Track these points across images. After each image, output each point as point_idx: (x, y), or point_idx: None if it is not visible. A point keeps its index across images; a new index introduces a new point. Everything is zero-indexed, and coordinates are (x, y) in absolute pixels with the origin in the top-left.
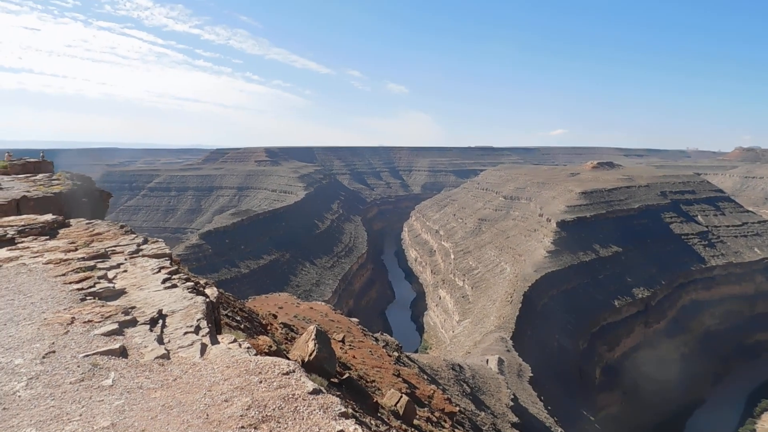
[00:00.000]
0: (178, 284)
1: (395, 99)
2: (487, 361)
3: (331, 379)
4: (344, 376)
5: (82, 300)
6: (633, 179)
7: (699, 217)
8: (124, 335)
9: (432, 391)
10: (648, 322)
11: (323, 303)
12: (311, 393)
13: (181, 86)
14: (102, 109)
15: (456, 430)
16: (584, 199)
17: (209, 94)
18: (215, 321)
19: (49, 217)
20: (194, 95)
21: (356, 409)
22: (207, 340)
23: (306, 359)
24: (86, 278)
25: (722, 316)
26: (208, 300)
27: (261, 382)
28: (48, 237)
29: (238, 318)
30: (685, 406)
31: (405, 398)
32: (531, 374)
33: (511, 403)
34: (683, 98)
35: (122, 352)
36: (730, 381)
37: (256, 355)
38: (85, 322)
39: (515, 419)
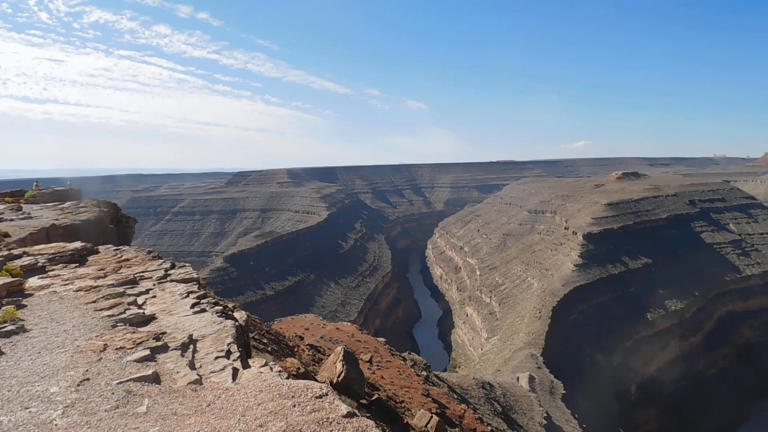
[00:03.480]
0: (207, 308)
1: (415, 116)
2: (518, 378)
3: (361, 401)
4: (373, 398)
5: (114, 326)
6: (660, 189)
7: (731, 225)
8: (156, 361)
9: (463, 411)
10: (684, 335)
11: (349, 323)
12: (345, 416)
13: (201, 111)
14: (126, 136)
15: None
16: (610, 211)
17: (229, 117)
18: (245, 344)
19: (78, 244)
20: (215, 119)
21: (386, 430)
22: (238, 364)
23: (335, 381)
24: (116, 304)
25: (762, 327)
26: (237, 324)
27: (294, 405)
28: (78, 264)
29: (265, 341)
30: (729, 422)
31: (435, 419)
32: (564, 391)
33: (545, 422)
34: (709, 104)
35: (155, 378)
36: None
37: (288, 378)
38: (117, 349)
39: None
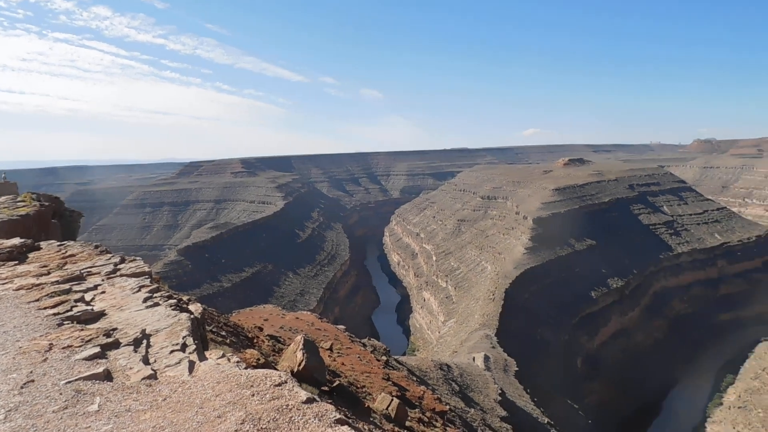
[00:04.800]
0: (161, 302)
1: (371, 104)
2: (474, 358)
3: (322, 388)
4: (335, 384)
5: (60, 325)
6: (602, 174)
7: (664, 207)
8: (107, 358)
9: (422, 392)
10: (623, 311)
11: (309, 312)
12: (305, 402)
13: (149, 99)
14: (66, 126)
15: (447, 428)
16: (558, 196)
17: (179, 106)
18: (202, 337)
19: (16, 240)
20: (164, 108)
21: (349, 415)
22: (195, 357)
23: (295, 369)
24: (62, 302)
25: (690, 301)
26: (192, 316)
27: (254, 395)
28: (17, 262)
29: (224, 333)
30: (660, 387)
31: (396, 401)
32: (516, 368)
33: (499, 398)
34: (646, 94)
35: (107, 376)
36: (699, 361)
37: (246, 368)
38: (64, 348)
39: (504, 413)
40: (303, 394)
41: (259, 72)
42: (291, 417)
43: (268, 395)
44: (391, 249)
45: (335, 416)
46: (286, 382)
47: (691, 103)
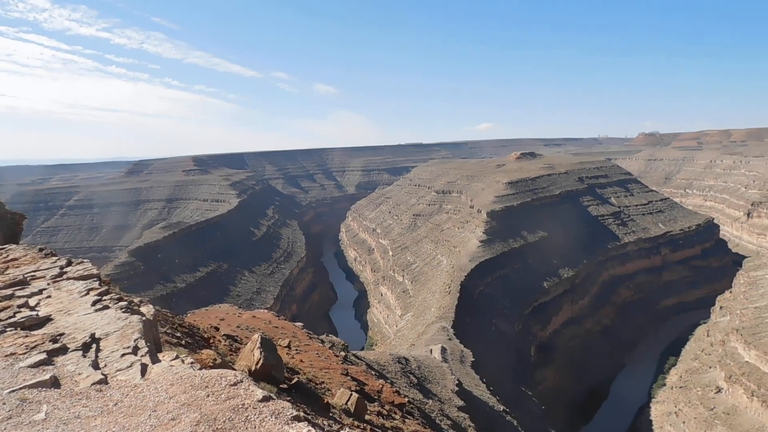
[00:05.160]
0: (110, 305)
1: (324, 100)
2: (431, 351)
3: (281, 386)
4: (293, 381)
5: (2, 332)
6: (553, 167)
7: (612, 198)
8: (54, 364)
9: (381, 386)
10: (574, 300)
11: (266, 310)
12: (261, 400)
13: (94, 95)
14: (5, 124)
15: (406, 419)
16: (511, 189)
17: (126, 102)
18: (154, 339)
19: None
20: (110, 104)
21: (308, 411)
22: (147, 359)
23: (253, 368)
24: (4, 308)
25: (636, 288)
26: (144, 318)
27: (208, 395)
28: None
29: (178, 334)
30: (609, 372)
31: (355, 396)
32: (473, 359)
33: (456, 389)
34: (593, 89)
35: (54, 383)
36: (645, 345)
37: (201, 369)
38: (7, 356)
39: (461, 403)
40: (259, 393)
41: (209, 67)
42: (247, 416)
43: (223, 395)
44: (348, 245)
45: (292, 413)
46: (241, 382)
47: (636, 98)
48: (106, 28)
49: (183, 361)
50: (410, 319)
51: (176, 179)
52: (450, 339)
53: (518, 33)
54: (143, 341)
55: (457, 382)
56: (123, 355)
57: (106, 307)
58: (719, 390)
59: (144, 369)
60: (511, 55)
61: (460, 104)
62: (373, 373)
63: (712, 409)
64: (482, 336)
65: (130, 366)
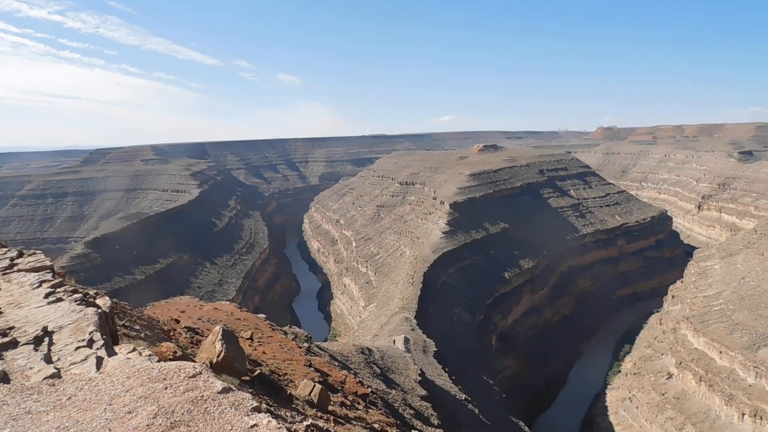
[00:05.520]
0: (64, 297)
1: (287, 90)
2: (394, 341)
3: (243, 378)
4: (256, 373)
5: None
6: (515, 160)
7: (571, 191)
8: (3, 359)
9: (344, 377)
10: (534, 290)
11: (228, 302)
12: (221, 392)
13: (47, 81)
14: None
15: (369, 410)
16: (473, 181)
17: (82, 89)
18: (111, 332)
19: None
20: (65, 91)
21: (270, 403)
22: (103, 352)
23: (214, 360)
24: None
25: (594, 278)
26: (100, 311)
27: (166, 388)
28: None
29: (137, 327)
30: (567, 360)
31: (318, 387)
32: (435, 349)
33: (419, 378)
34: (554, 83)
35: (3, 378)
36: (601, 333)
37: (159, 361)
38: None
39: (424, 392)
40: (219, 384)
41: (169, 54)
42: (206, 408)
43: (181, 387)
44: (311, 236)
45: (252, 404)
46: (200, 373)
47: (595, 93)
48: (59, 11)
49: (140, 354)
50: (373, 310)
51: (135, 169)
52: (413, 329)
53: (477, 27)
54: (99, 334)
55: (419, 371)
56: (77, 348)
57: (60, 300)
58: (670, 376)
59: (99, 362)
60: (473, 47)
61: (423, 96)
62: (337, 364)
63: (663, 395)
64: (445, 326)
65: (85, 359)
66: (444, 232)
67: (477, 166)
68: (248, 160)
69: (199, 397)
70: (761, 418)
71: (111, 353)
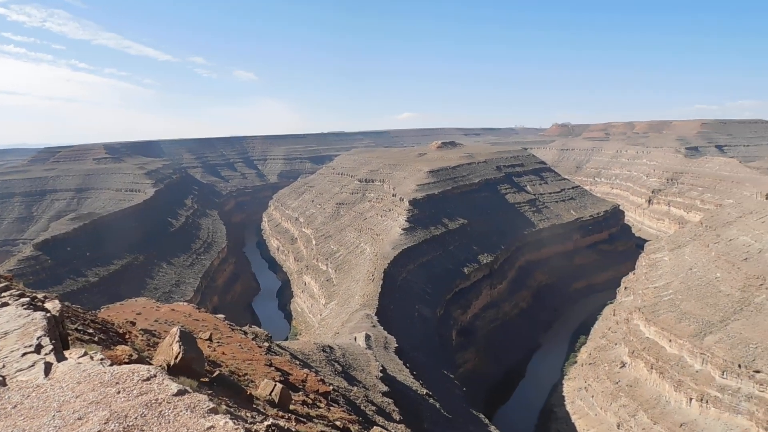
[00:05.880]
0: (10, 302)
1: (244, 86)
2: (355, 338)
3: (202, 379)
4: (215, 374)
5: None
6: (473, 156)
7: (528, 186)
8: None
9: (305, 375)
10: (493, 284)
11: (186, 303)
12: (176, 395)
13: None
14: None
15: (331, 407)
16: (432, 178)
17: (29, 85)
18: (61, 337)
19: None
20: (9, 87)
21: (230, 404)
22: (52, 357)
23: (172, 363)
24: None
25: (550, 272)
26: (49, 315)
27: (119, 392)
28: None
29: (91, 330)
30: (525, 352)
31: (279, 386)
32: (396, 345)
33: (381, 374)
34: (508, 80)
35: None
36: (558, 326)
37: (112, 365)
38: None
39: (385, 388)
40: (174, 387)
41: (121, 50)
42: (161, 411)
43: (135, 391)
44: (270, 234)
45: (209, 406)
46: (155, 376)
47: (550, 90)
48: (2, 3)
49: (92, 358)
50: (334, 308)
51: (87, 168)
52: (374, 326)
53: (434, 23)
54: (47, 339)
55: (381, 368)
56: (24, 354)
57: (5, 304)
58: (623, 365)
59: (48, 368)
60: (431, 45)
61: (382, 93)
62: (298, 362)
63: (617, 383)
64: (406, 322)
65: (33, 365)
66: (404, 229)
67: (436, 162)
68: (205, 158)
69: (154, 400)
70: (707, 402)
71: (61, 358)
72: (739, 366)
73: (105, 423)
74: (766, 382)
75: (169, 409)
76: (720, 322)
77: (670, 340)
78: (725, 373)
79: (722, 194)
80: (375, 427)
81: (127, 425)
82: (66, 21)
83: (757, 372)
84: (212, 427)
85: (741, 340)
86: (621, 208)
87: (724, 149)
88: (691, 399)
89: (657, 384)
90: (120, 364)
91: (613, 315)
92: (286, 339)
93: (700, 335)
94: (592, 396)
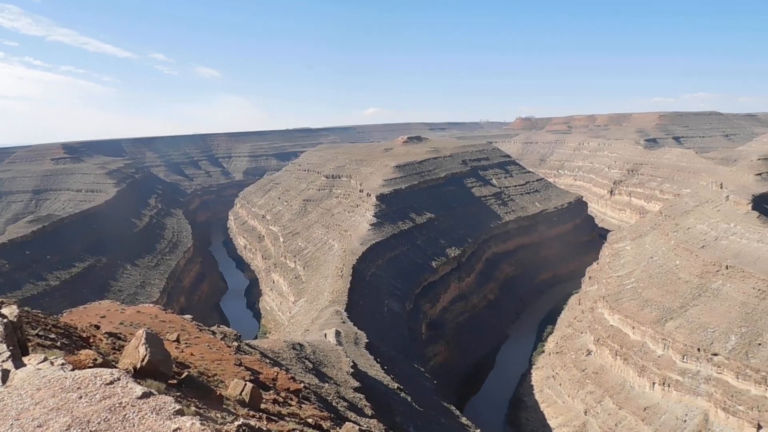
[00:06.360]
0: None
1: (207, 83)
2: (326, 335)
3: (170, 381)
4: (183, 376)
5: None
6: (439, 151)
7: (493, 180)
8: None
9: (276, 374)
10: (461, 277)
11: (152, 305)
12: (141, 397)
13: None
14: None
15: (303, 405)
16: (399, 172)
17: None
18: (19, 342)
19: None
20: None
21: (200, 405)
22: (9, 364)
23: (138, 365)
24: None
25: (517, 263)
26: (6, 320)
27: (81, 397)
28: None
29: (53, 335)
30: (494, 343)
31: (249, 385)
32: (366, 340)
33: (352, 370)
34: (473, 74)
35: None
36: (525, 316)
37: (73, 370)
38: None
39: (356, 384)
40: (138, 390)
41: (78, 46)
42: (125, 415)
43: (98, 395)
44: (237, 233)
45: (175, 408)
46: (119, 380)
47: (513, 84)
48: None
49: (52, 364)
50: (304, 305)
51: (44, 168)
52: (344, 322)
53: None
54: (4, 345)
55: (352, 364)
56: None
57: None
58: (589, 352)
59: (5, 375)
60: (393, 40)
61: (347, 89)
62: (268, 361)
63: (583, 371)
64: (375, 317)
65: None
66: (371, 224)
67: (402, 157)
68: (168, 156)
69: (117, 404)
70: (669, 385)
71: (19, 365)
72: (698, 350)
73: (66, 429)
74: (724, 365)
75: (134, 412)
76: (680, 308)
77: (633, 327)
78: (685, 357)
79: (680, 184)
80: (347, 422)
81: (90, 430)
82: (18, 16)
83: (715, 355)
84: (179, 429)
85: (700, 325)
86: (584, 199)
87: (681, 141)
88: (654, 383)
89: (621, 370)
90: (80, 369)
91: (579, 304)
92: (256, 338)
93: (661, 321)
94: (560, 384)
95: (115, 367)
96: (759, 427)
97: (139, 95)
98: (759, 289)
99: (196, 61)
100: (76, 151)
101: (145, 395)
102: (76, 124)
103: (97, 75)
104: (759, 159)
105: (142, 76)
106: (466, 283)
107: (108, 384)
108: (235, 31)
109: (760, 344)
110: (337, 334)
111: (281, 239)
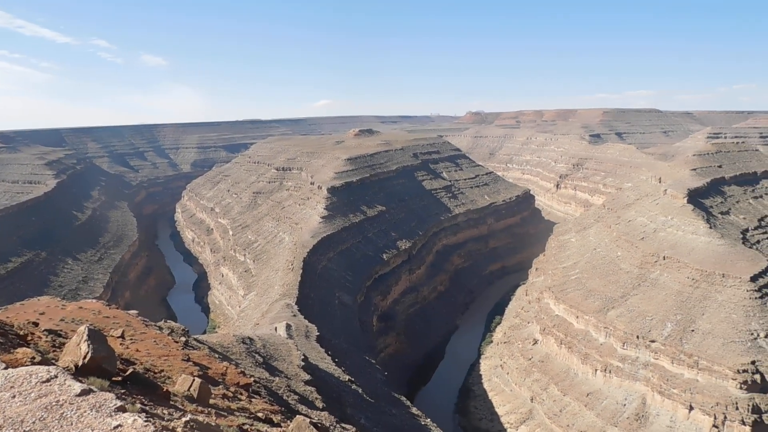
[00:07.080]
0: None
1: (153, 72)
2: (276, 328)
3: (114, 378)
4: (128, 372)
5: None
6: (390, 144)
7: (444, 173)
8: None
9: (225, 369)
10: (411, 269)
11: (95, 300)
12: (79, 395)
13: None
14: None
15: (252, 399)
16: (350, 165)
17: None
18: None
19: None
20: None
21: (145, 402)
22: None
23: (80, 363)
24: None
25: (466, 255)
26: None
27: (14, 396)
28: None
29: None
30: (444, 334)
31: (197, 381)
32: (317, 333)
33: (302, 364)
34: (424, 68)
35: None
36: (475, 307)
37: (7, 369)
38: None
39: (307, 377)
40: (77, 387)
41: (12, 30)
42: (62, 413)
43: (33, 394)
44: (185, 226)
45: (116, 404)
46: (56, 377)
47: (464, 78)
48: None
49: None
50: (254, 299)
51: None
52: (295, 315)
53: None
54: None
55: (302, 357)
56: None
57: None
58: (536, 342)
59: None
60: (345, 28)
61: (298, 80)
62: (217, 356)
63: (530, 359)
64: (326, 310)
65: None
66: (322, 217)
67: (353, 150)
68: (112, 147)
69: (54, 402)
70: (610, 372)
71: None
72: (637, 337)
73: None
74: (660, 351)
75: (72, 410)
76: (621, 297)
77: (577, 317)
78: (625, 344)
79: (622, 178)
80: (298, 416)
81: (24, 430)
82: None
83: (653, 342)
84: (120, 425)
85: (639, 313)
86: (532, 192)
87: (623, 136)
88: (596, 370)
89: (566, 358)
90: (14, 368)
91: (526, 295)
92: (205, 333)
93: (603, 310)
94: (508, 373)
95: (54, 365)
96: (691, 408)
97: (81, 83)
98: (693, 279)
99: (141, 48)
100: (11, 140)
101: (85, 392)
102: (11, 112)
103: (34, 61)
104: (694, 155)
105: (83, 63)
106: (417, 275)
107: (44, 382)
108: (180, 18)
109: (693, 330)
110: (288, 327)
111: (231, 232)
